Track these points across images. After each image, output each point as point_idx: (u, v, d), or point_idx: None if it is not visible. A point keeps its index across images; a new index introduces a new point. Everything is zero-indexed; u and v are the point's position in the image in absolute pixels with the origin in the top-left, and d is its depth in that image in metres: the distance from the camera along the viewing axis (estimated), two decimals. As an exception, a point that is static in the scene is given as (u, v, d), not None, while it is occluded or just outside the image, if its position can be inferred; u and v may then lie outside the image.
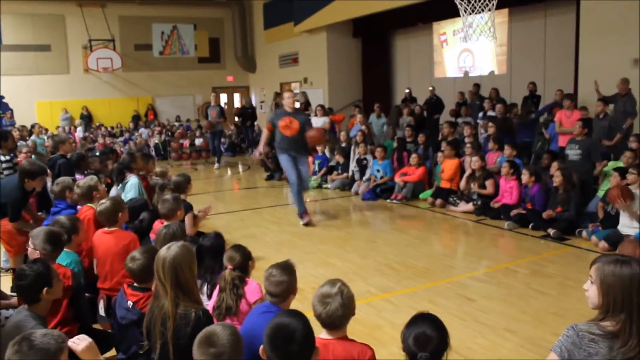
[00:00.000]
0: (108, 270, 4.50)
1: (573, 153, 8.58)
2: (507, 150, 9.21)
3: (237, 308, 3.44)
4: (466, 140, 10.43)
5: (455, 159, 9.86)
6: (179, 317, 2.88)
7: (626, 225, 6.68)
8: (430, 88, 14.85)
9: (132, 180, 6.92)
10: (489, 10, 7.11)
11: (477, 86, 14.01)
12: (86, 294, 4.55)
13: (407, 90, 15.78)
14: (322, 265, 6.54)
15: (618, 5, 9.97)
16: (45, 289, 3.18)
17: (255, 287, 3.63)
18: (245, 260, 3.65)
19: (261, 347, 2.34)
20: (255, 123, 19.04)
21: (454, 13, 7.94)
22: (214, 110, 15.39)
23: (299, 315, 2.39)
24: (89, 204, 5.37)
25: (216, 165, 15.90)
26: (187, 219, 5.76)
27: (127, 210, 4.87)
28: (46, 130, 16.73)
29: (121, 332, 3.43)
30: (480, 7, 7.12)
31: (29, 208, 6.22)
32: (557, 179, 7.67)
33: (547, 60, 13.47)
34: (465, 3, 7.15)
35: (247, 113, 18.74)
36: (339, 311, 2.67)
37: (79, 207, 5.59)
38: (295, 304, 3.34)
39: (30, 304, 3.19)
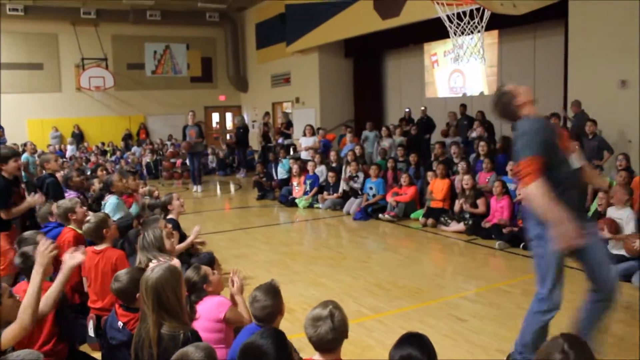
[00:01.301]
0: (99, 290, 4.47)
1: None
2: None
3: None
4: (455, 160, 10.48)
5: (445, 179, 9.90)
6: (167, 339, 2.85)
7: (615, 246, 6.71)
8: (422, 108, 14.95)
9: (110, 200, 6.95)
10: (478, 32, 7.18)
11: (463, 107, 14.08)
12: (74, 313, 4.54)
13: (407, 110, 15.83)
14: (313, 286, 6.52)
15: (606, 28, 10.12)
16: None
17: (220, 301, 3.60)
18: (200, 281, 3.67)
19: None
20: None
21: (444, 34, 8.02)
22: (192, 130, 14.53)
23: (273, 337, 2.36)
24: (69, 226, 5.39)
25: (195, 188, 14.74)
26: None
27: (114, 226, 4.85)
28: (35, 149, 16.66)
29: (111, 352, 3.40)
30: (469, 29, 7.20)
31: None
32: None
33: (536, 80, 13.60)
34: (454, 25, 7.22)
35: (240, 133, 18.63)
36: (329, 335, 2.63)
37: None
38: (285, 325, 3.33)
39: None
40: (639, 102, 9.62)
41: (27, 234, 4.64)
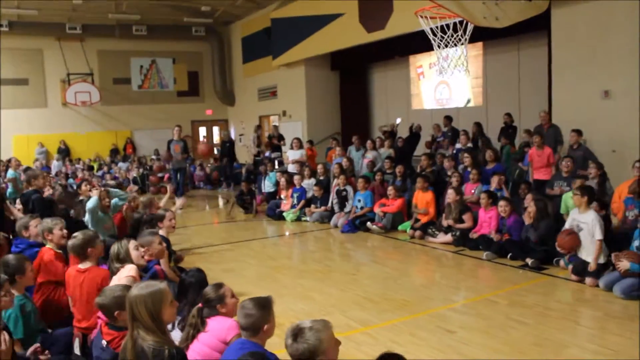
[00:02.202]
0: (83, 310, 4.43)
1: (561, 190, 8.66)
2: (495, 181, 9.31)
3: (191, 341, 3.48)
4: (449, 172, 10.52)
5: (428, 192, 9.93)
6: (152, 354, 2.82)
7: (588, 252, 6.75)
8: (412, 124, 14.95)
9: (92, 200, 6.99)
10: (462, 44, 7.25)
11: (448, 118, 14.07)
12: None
13: (398, 121, 15.80)
14: (302, 299, 6.50)
15: (589, 39, 10.23)
16: None
17: (231, 324, 3.58)
18: (216, 301, 3.66)
19: None
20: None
21: (429, 47, 8.08)
22: (177, 145, 14.41)
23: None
24: (48, 246, 5.34)
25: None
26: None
27: (100, 245, 4.81)
28: (19, 164, 16.52)
29: None
30: (453, 41, 7.26)
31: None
32: (530, 209, 7.76)
33: (521, 91, 13.72)
34: (438, 38, 7.28)
35: (226, 147, 18.61)
36: (306, 353, 2.67)
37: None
38: (274, 340, 3.32)
39: None
40: (622, 112, 9.74)
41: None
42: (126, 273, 4.31)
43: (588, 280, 6.55)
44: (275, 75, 20.18)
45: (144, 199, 8.60)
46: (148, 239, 5.11)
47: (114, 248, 4.72)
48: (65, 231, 5.24)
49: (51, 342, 4.31)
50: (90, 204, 7.08)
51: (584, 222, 6.78)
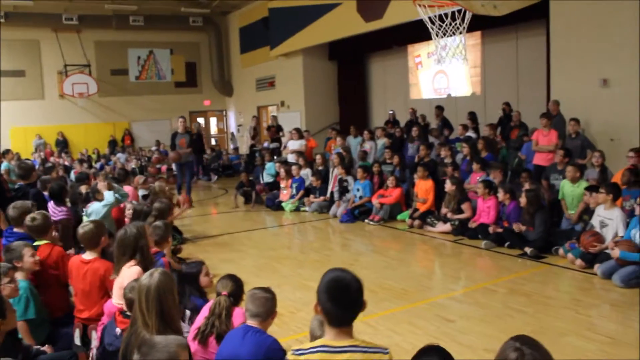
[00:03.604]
0: (85, 301, 4.43)
1: (559, 183, 8.66)
2: (494, 174, 9.29)
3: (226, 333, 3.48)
4: (446, 161, 10.52)
5: (428, 180, 9.93)
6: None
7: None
8: (410, 110, 14.97)
9: (94, 206, 6.86)
10: (460, 33, 7.21)
11: (439, 108, 14.03)
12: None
13: (390, 112, 15.84)
14: (301, 289, 6.50)
15: (587, 28, 10.21)
16: None
17: (239, 312, 3.65)
18: (239, 290, 3.74)
19: (315, 303, 2.46)
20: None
21: (427, 36, 8.04)
22: (182, 139, 12.73)
23: (347, 271, 2.57)
24: (45, 241, 5.03)
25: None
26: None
27: (106, 237, 4.78)
28: (18, 156, 16.50)
29: (106, 358, 3.38)
30: (451, 30, 7.22)
31: None
32: (522, 200, 7.79)
33: (519, 80, 13.69)
34: (436, 27, 7.24)
35: (194, 140, 17.70)
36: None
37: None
38: (273, 328, 3.34)
39: None
40: (621, 100, 9.73)
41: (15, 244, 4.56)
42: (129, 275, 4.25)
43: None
44: (273, 65, 20.12)
45: (157, 184, 8.51)
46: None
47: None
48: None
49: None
50: (109, 199, 6.83)
51: (610, 219, 6.80)
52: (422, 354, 2.43)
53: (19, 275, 4.31)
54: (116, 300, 4.00)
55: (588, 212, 7.47)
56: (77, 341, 4.40)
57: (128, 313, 3.40)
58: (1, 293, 3.38)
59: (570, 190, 8.14)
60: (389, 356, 2.42)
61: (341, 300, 2.42)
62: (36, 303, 4.30)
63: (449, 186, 9.26)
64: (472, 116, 12.60)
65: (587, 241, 6.81)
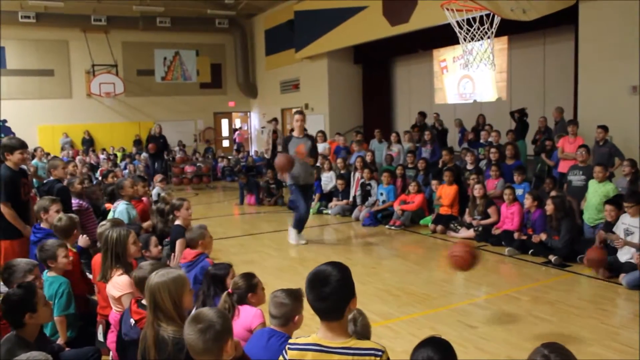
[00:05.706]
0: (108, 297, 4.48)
1: (577, 179, 8.60)
2: (517, 177, 9.22)
3: None
4: (469, 167, 10.46)
5: (453, 185, 9.87)
6: (172, 343, 2.84)
7: (624, 252, 6.67)
8: (435, 115, 14.88)
9: (120, 207, 6.95)
10: (488, 38, 7.17)
11: (459, 121, 14.03)
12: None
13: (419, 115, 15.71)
14: (322, 291, 6.49)
15: (617, 33, 10.07)
16: (28, 314, 3.16)
17: (256, 312, 3.64)
18: (246, 288, 3.70)
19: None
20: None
21: (453, 40, 8.01)
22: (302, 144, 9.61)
23: (337, 265, 2.62)
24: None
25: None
26: (178, 244, 5.82)
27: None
28: (47, 154, 16.75)
29: (124, 348, 3.42)
30: (479, 35, 7.18)
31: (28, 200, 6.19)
32: (548, 207, 7.68)
33: (546, 86, 13.55)
34: (464, 31, 7.21)
35: (160, 142, 17.65)
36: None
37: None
38: (297, 333, 3.33)
39: (16, 329, 3.16)
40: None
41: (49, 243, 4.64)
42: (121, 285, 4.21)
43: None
44: (298, 68, 20.17)
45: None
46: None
47: None
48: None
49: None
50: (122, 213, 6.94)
51: (635, 227, 6.67)
52: (419, 346, 2.45)
53: (55, 272, 4.42)
54: (115, 308, 4.12)
55: (610, 225, 7.29)
56: (100, 337, 4.45)
57: (143, 302, 3.43)
58: (35, 287, 3.41)
59: (594, 188, 7.98)
60: (385, 356, 2.41)
61: (320, 292, 2.43)
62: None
63: (481, 190, 9.16)
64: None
65: (590, 256, 6.72)
